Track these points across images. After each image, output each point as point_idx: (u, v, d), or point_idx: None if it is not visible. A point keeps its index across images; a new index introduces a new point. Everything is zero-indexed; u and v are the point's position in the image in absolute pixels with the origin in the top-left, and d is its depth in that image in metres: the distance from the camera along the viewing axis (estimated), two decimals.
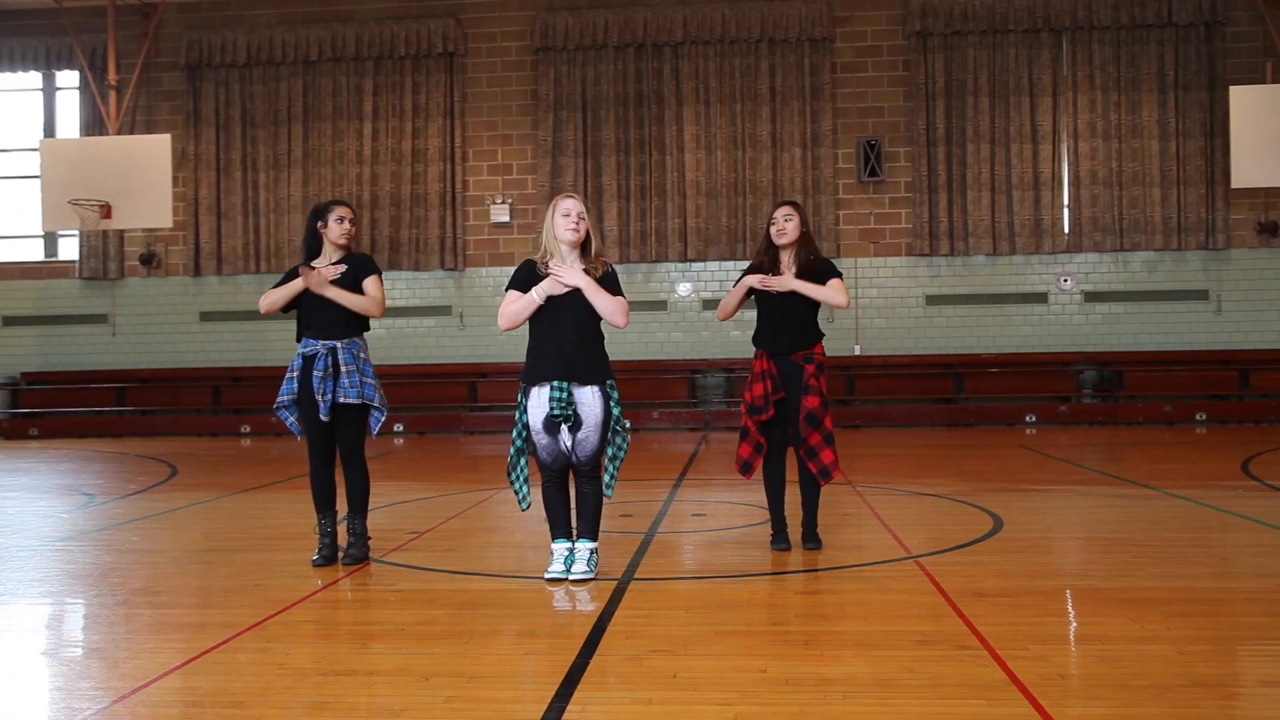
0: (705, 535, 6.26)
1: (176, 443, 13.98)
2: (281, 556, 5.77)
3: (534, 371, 4.94)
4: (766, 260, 5.64)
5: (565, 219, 4.89)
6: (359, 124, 15.94)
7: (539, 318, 4.92)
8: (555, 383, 4.82)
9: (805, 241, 5.62)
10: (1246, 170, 13.96)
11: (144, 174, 14.85)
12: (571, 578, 4.89)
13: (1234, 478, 8.58)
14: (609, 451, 4.98)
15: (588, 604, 4.56)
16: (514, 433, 5.01)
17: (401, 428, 14.85)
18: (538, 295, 4.87)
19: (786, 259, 5.61)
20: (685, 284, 15.59)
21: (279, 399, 5.44)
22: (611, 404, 4.93)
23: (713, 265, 15.51)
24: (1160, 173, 14.92)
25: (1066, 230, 15.07)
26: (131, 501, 8.21)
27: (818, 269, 5.56)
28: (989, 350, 15.02)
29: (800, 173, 15.30)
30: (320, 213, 5.52)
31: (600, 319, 4.94)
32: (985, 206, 15.09)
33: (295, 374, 5.42)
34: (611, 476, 5.01)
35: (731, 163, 15.42)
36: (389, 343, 15.73)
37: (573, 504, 5.03)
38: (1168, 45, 14.98)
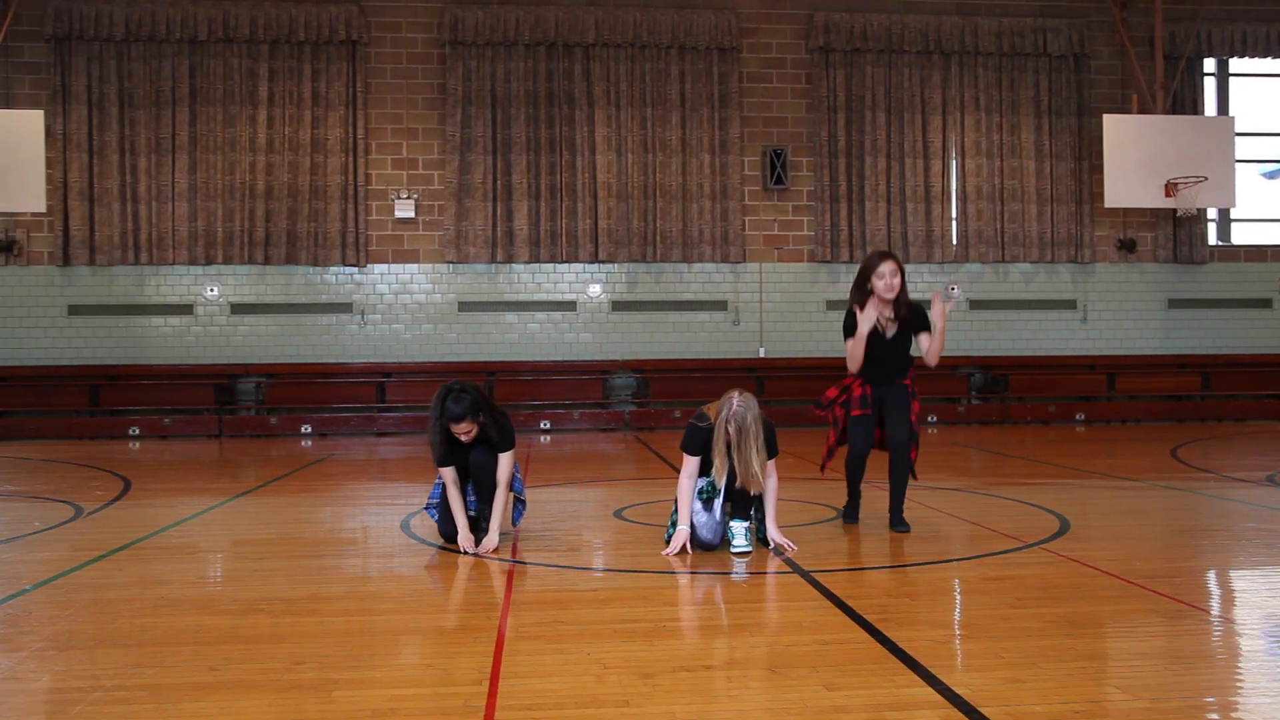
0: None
1: (56, 447, 12.79)
2: (413, 559, 5.51)
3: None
4: (867, 307, 6.11)
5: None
6: (253, 110, 15.11)
7: None
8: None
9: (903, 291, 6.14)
10: (1117, 192, 15.29)
11: (12, 153, 13.69)
12: (734, 550, 5.47)
13: (1180, 469, 9.42)
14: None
15: (818, 596, 4.59)
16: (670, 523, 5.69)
17: (309, 429, 14.18)
18: None
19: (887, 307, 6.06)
20: (595, 285, 15.60)
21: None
22: None
23: (624, 266, 15.59)
24: (1036, 191, 16.10)
25: (955, 241, 16.02)
26: (129, 509, 7.55)
27: (923, 317, 6.20)
28: None
29: (709, 178, 15.61)
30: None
31: None
32: (882, 217, 15.86)
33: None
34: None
35: (641, 166, 15.56)
36: (284, 339, 14.98)
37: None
38: (1042, 74, 16.19)
